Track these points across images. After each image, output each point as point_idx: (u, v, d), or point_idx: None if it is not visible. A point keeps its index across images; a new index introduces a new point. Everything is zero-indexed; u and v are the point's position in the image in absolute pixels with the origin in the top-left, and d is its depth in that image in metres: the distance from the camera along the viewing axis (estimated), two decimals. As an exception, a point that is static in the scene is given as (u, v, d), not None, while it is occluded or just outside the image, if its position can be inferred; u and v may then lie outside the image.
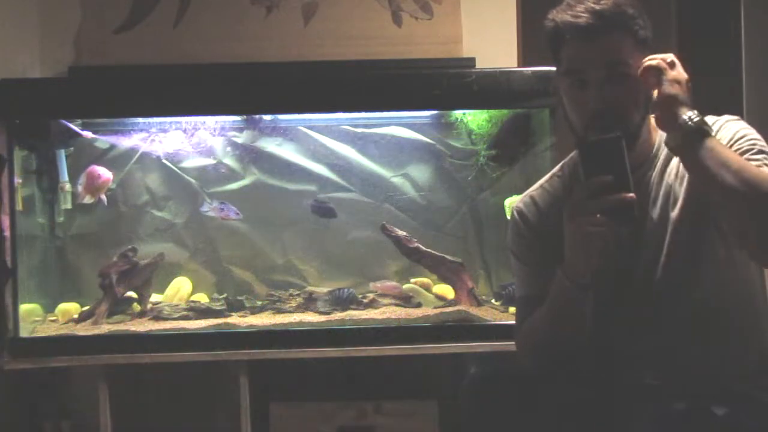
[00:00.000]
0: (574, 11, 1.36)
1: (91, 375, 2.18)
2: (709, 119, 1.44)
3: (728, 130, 1.40)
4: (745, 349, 1.41)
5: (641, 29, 1.38)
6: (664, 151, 1.45)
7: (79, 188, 2.32)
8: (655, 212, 1.42)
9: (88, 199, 2.33)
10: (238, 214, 2.39)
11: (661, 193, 1.42)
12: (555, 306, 1.43)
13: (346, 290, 2.32)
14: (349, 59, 2.33)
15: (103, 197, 2.35)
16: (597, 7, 1.35)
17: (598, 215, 1.31)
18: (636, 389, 1.37)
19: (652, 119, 1.47)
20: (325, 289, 2.36)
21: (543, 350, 1.47)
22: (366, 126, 2.48)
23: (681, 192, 1.41)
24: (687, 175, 1.40)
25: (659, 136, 1.46)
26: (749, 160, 1.33)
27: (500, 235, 2.37)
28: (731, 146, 1.36)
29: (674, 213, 1.40)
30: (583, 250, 1.35)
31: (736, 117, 1.44)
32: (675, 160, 1.43)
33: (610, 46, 1.36)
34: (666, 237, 1.40)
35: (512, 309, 2.24)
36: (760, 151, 1.35)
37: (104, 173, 2.34)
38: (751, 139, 1.37)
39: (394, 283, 2.38)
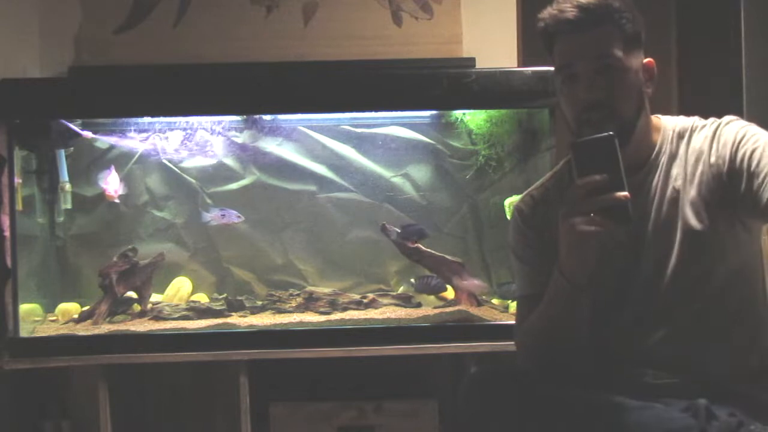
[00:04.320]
0: (561, 7, 1.39)
1: (91, 375, 2.18)
2: (711, 123, 1.44)
3: (729, 134, 1.39)
4: (747, 351, 1.40)
5: (629, 23, 1.39)
6: (666, 154, 1.44)
7: (112, 187, 2.35)
8: (661, 216, 1.42)
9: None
10: (239, 216, 2.39)
11: (667, 197, 1.42)
12: (552, 306, 1.43)
13: (434, 278, 2.32)
14: (349, 59, 2.33)
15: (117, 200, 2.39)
16: (582, 2, 1.37)
17: (593, 215, 1.31)
18: (637, 390, 1.37)
19: (654, 119, 1.48)
20: (325, 289, 2.36)
21: (541, 350, 1.48)
22: (366, 126, 2.48)
23: (691, 198, 1.40)
24: (698, 182, 1.40)
25: (661, 137, 1.46)
26: (758, 166, 1.32)
27: (500, 235, 2.37)
28: (735, 150, 1.36)
29: (684, 219, 1.40)
30: (578, 251, 1.35)
31: (735, 117, 1.44)
32: (680, 167, 1.42)
33: (598, 39, 1.37)
34: (675, 242, 1.40)
35: (512, 308, 2.25)
36: (766, 146, 1.34)
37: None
38: (753, 135, 1.37)
39: (477, 282, 2.33)
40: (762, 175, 1.32)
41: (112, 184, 2.34)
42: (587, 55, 1.37)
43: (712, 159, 1.40)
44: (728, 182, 1.37)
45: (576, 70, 1.38)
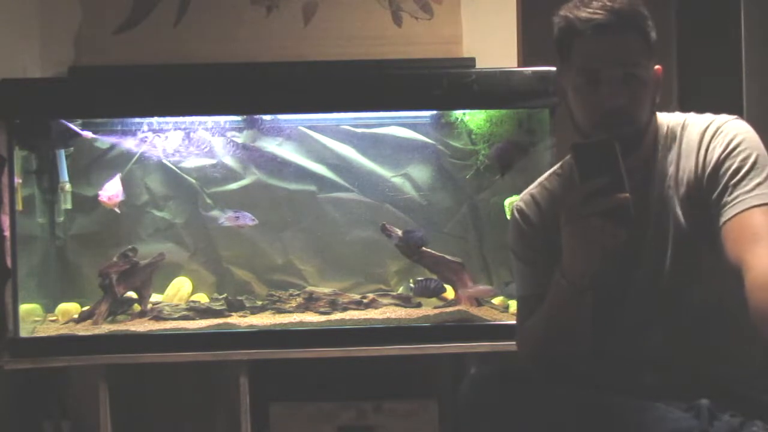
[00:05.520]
0: (591, 8, 1.35)
1: (91, 375, 2.18)
2: (706, 118, 1.44)
3: (724, 137, 1.38)
4: (748, 351, 1.40)
5: (652, 31, 1.39)
6: (660, 152, 1.44)
7: (107, 193, 2.33)
8: (658, 216, 1.42)
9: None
10: (253, 219, 2.39)
11: (663, 196, 1.42)
12: (553, 307, 1.43)
13: (433, 281, 2.32)
14: (349, 59, 2.33)
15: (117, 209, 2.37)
16: (613, 5, 1.35)
17: (595, 218, 1.31)
18: (638, 390, 1.37)
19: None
20: (325, 289, 2.36)
21: (542, 350, 1.48)
22: (366, 126, 2.48)
23: (681, 197, 1.40)
24: (687, 179, 1.40)
25: (657, 135, 1.46)
26: (736, 185, 1.32)
27: (500, 235, 2.37)
28: (724, 159, 1.35)
29: (675, 219, 1.40)
30: (581, 253, 1.35)
31: (734, 117, 1.43)
32: (673, 165, 1.42)
33: (627, 45, 1.35)
34: (669, 242, 1.40)
35: (513, 308, 2.25)
36: (753, 167, 1.33)
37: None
38: (746, 150, 1.35)
39: (487, 287, 2.35)
40: (733, 196, 1.32)
41: (108, 190, 2.32)
42: (614, 61, 1.35)
43: (700, 158, 1.39)
44: (705, 185, 1.37)
45: (600, 75, 1.36)
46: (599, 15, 1.34)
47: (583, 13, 1.36)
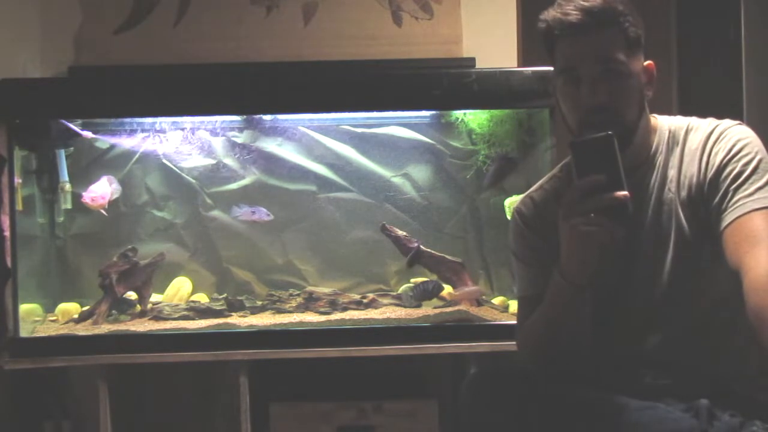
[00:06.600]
0: (564, 9, 1.38)
1: (91, 375, 2.18)
2: (710, 122, 1.44)
3: (726, 142, 1.39)
4: (747, 351, 1.40)
5: (632, 26, 1.39)
6: (663, 154, 1.45)
7: (89, 195, 2.31)
8: (657, 217, 1.42)
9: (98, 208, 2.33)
10: (269, 215, 2.39)
11: (663, 198, 1.42)
12: (552, 306, 1.43)
13: (431, 282, 2.32)
14: (349, 59, 2.33)
15: (103, 211, 2.35)
16: (586, 5, 1.37)
17: (592, 215, 1.31)
18: (638, 390, 1.37)
19: (651, 119, 1.48)
20: (325, 289, 2.36)
21: (541, 350, 1.48)
22: (366, 126, 2.48)
23: (683, 200, 1.40)
24: (689, 184, 1.40)
25: (657, 137, 1.46)
26: (737, 189, 1.32)
27: (500, 235, 2.37)
28: (726, 164, 1.36)
29: (677, 222, 1.40)
30: (579, 251, 1.35)
31: (737, 122, 1.43)
32: (675, 168, 1.43)
33: (602, 42, 1.37)
34: (670, 244, 1.40)
35: (512, 308, 2.25)
36: (754, 171, 1.34)
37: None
38: (748, 155, 1.36)
39: (474, 288, 2.34)
40: (733, 201, 1.33)
41: (92, 191, 2.30)
42: (591, 59, 1.37)
43: (703, 163, 1.40)
44: (707, 189, 1.38)
45: (579, 74, 1.38)
46: (572, 15, 1.37)
47: (558, 15, 1.39)
